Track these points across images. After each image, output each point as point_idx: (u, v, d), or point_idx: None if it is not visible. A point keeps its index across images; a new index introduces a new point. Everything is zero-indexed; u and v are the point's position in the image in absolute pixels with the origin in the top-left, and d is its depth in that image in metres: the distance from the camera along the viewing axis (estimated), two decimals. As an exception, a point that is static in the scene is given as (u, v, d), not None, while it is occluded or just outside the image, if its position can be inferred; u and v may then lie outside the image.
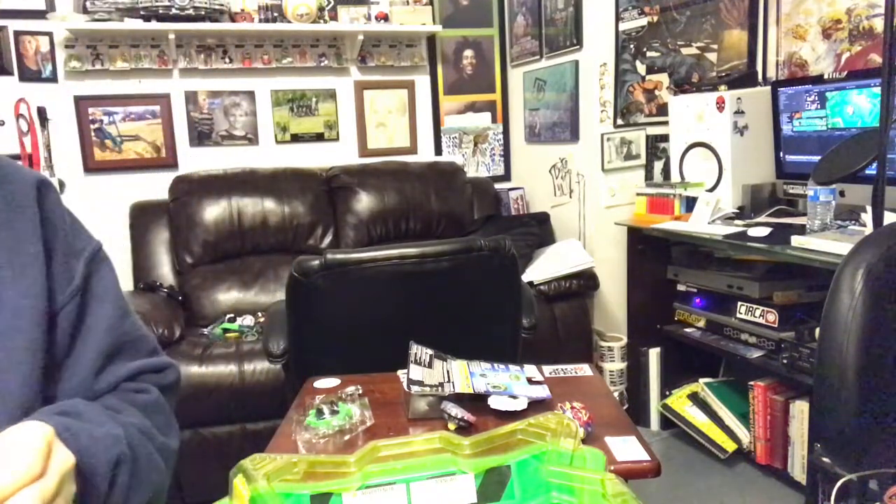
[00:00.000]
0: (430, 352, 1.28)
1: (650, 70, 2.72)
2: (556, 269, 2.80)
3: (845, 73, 1.88)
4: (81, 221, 0.75)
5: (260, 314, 2.65)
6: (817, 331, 1.06)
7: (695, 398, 2.38)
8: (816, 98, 1.95)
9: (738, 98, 2.15)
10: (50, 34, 2.90)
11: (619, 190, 2.87)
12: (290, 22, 3.09)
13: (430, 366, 1.24)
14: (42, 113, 2.89)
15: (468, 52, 3.62)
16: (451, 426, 1.13)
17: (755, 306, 2.07)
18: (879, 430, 0.91)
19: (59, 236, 0.70)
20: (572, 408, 1.13)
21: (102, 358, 0.70)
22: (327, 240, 3.04)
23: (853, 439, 0.90)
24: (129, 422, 0.67)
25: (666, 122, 2.50)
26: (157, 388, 0.75)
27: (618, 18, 2.83)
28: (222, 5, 2.99)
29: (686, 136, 2.33)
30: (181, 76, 3.12)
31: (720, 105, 2.17)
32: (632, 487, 0.57)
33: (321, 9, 3.17)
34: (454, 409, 1.14)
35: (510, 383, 1.26)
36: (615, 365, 2.75)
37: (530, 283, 2.71)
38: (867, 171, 1.63)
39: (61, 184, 2.94)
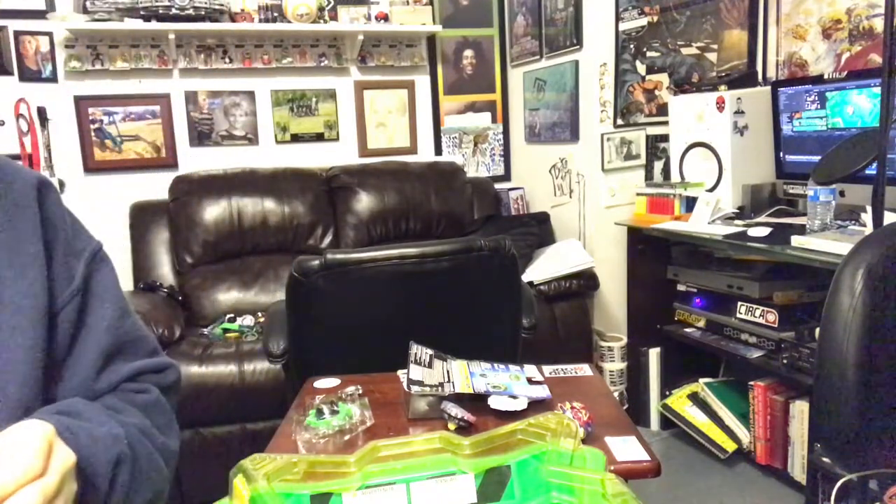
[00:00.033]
0: (430, 352, 1.28)
1: (650, 70, 2.72)
2: (556, 269, 2.80)
3: (845, 73, 1.88)
4: (81, 221, 0.75)
5: (260, 314, 2.66)
6: (817, 331, 1.06)
7: (695, 398, 2.38)
8: (816, 98, 1.95)
9: (738, 98, 2.15)
10: (50, 34, 2.90)
11: (619, 190, 2.87)
12: (290, 22, 3.09)
13: (430, 366, 1.24)
14: (42, 113, 2.89)
15: (468, 52, 3.62)
16: (451, 426, 1.13)
17: (755, 306, 2.07)
18: (879, 430, 0.91)
19: (60, 236, 0.70)
20: (572, 408, 1.13)
21: (103, 358, 0.70)
22: (327, 240, 3.04)
23: (853, 439, 0.90)
24: (130, 422, 0.67)
25: (666, 122, 2.50)
26: (157, 389, 0.75)
27: (618, 18, 2.83)
28: (222, 5, 2.99)
29: (686, 136, 2.33)
30: (181, 76, 3.12)
31: (720, 105, 2.17)
32: (632, 487, 0.57)
33: (321, 9, 3.17)
34: (454, 409, 1.14)
35: (510, 383, 1.26)
36: (615, 365, 2.75)
37: (530, 283, 2.71)
38: (867, 171, 1.63)
39: (61, 184, 2.94)
